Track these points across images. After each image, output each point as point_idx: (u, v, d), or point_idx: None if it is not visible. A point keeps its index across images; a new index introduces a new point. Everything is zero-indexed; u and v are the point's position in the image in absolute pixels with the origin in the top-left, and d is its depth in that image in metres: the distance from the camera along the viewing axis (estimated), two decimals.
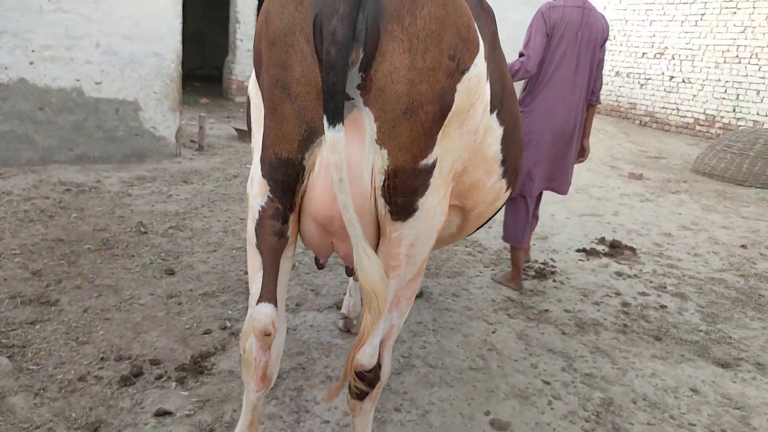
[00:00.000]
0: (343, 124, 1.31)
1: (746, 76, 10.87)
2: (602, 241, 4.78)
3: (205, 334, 2.75)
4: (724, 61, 11.25)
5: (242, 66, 10.28)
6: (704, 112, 11.61)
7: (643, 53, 12.89)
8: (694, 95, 11.78)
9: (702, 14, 11.68)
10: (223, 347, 2.66)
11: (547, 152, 3.45)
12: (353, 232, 1.40)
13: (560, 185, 3.61)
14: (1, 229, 3.66)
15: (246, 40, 10.13)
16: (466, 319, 3.22)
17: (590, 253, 4.49)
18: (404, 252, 1.56)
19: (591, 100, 3.55)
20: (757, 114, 10.69)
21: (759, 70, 10.69)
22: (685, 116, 11.94)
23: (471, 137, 1.61)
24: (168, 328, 2.77)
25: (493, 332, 3.10)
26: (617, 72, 13.42)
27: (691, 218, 5.83)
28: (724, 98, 11.26)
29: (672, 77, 12.24)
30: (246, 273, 3.42)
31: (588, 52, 3.36)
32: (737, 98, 11.01)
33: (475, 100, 1.54)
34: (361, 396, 1.76)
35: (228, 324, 2.85)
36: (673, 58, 12.21)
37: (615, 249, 4.59)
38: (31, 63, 4.89)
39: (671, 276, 4.18)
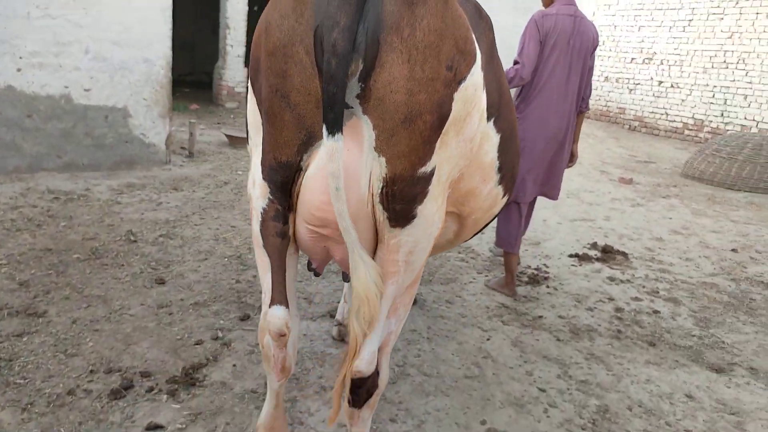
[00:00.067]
0: (342, 133, 1.33)
1: (734, 80, 11.00)
2: (594, 246, 4.79)
3: (197, 344, 2.71)
4: (712, 66, 11.38)
5: (232, 72, 10.25)
6: (693, 117, 11.72)
7: (632, 58, 13.00)
8: (683, 100, 11.89)
9: (690, 20, 11.81)
10: (215, 358, 2.62)
11: (540, 159, 3.48)
12: (349, 238, 1.43)
13: (551, 190, 3.65)
14: None
15: (236, 46, 10.10)
16: (461, 326, 3.21)
17: (583, 258, 4.50)
18: (402, 258, 1.59)
19: (580, 107, 3.59)
20: (745, 118, 10.80)
21: (746, 75, 10.81)
22: (674, 121, 12.05)
23: (468, 145, 1.63)
24: (159, 339, 2.73)
25: (488, 339, 3.09)
26: (606, 77, 13.53)
27: (682, 222, 5.86)
28: (712, 103, 11.37)
29: (661, 82, 12.35)
30: (238, 282, 3.41)
31: (579, 60, 3.40)
32: (725, 103, 11.13)
33: (472, 108, 1.55)
34: (358, 404, 1.75)
35: (220, 334, 2.82)
36: (662, 63, 12.33)
37: (607, 254, 4.60)
38: (19, 70, 4.83)
39: (663, 281, 4.19)
